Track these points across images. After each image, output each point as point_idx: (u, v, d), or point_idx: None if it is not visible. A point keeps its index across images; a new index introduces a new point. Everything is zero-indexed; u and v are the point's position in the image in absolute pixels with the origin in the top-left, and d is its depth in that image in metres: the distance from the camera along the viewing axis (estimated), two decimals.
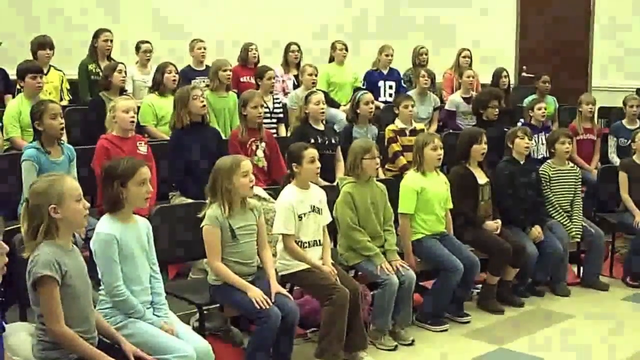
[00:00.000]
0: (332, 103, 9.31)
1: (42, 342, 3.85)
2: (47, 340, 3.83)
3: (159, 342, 4.21)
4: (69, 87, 8.83)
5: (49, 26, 9.35)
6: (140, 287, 4.41)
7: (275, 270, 5.38)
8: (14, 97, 7.77)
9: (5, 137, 7.14)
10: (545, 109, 9.29)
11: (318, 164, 5.71)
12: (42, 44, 8.59)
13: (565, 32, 12.78)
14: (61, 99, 8.38)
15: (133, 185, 4.41)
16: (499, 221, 6.90)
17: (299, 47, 10.52)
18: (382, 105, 9.83)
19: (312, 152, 5.69)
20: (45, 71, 8.23)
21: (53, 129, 5.97)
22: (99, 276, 4.34)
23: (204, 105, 6.95)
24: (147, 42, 9.51)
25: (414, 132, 8.01)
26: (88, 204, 3.96)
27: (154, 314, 4.40)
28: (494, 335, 6.30)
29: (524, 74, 13.09)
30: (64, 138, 6.27)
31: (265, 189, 6.38)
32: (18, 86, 7.62)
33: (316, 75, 9.26)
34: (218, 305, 5.57)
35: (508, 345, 6.09)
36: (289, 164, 5.78)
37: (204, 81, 9.17)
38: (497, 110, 8.73)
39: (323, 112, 7.63)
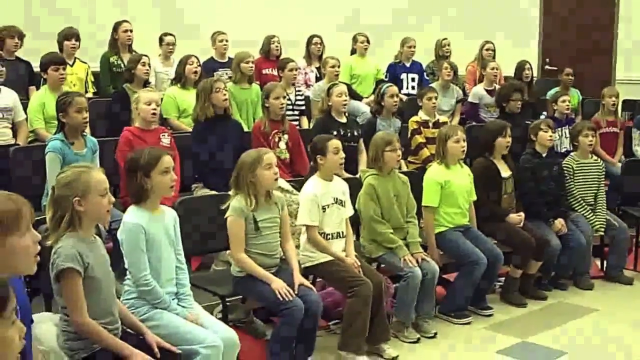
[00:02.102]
0: (354, 95, 9.29)
1: (66, 333, 3.86)
2: (71, 331, 3.84)
3: (185, 333, 4.21)
4: (93, 80, 8.86)
5: (72, 19, 9.34)
6: (166, 278, 4.42)
7: (298, 262, 5.37)
8: (38, 89, 7.79)
9: (30, 128, 7.18)
10: (569, 102, 9.24)
11: (342, 155, 5.70)
12: (68, 35, 8.63)
13: (589, 24, 12.70)
14: (86, 91, 8.40)
15: (157, 175, 4.41)
16: (522, 214, 6.87)
17: (321, 39, 10.51)
18: (404, 98, 9.80)
19: (336, 144, 5.68)
20: (70, 63, 8.28)
21: (77, 122, 5.98)
22: (126, 266, 4.36)
23: (226, 98, 6.96)
24: (170, 34, 9.51)
25: (437, 125, 7.99)
26: (113, 199, 3.95)
27: (178, 305, 4.41)
28: (516, 329, 6.27)
29: (547, 66, 13.02)
30: (87, 130, 6.29)
31: (288, 181, 6.37)
32: (42, 78, 7.64)
33: (339, 68, 9.24)
34: (241, 296, 5.60)
35: (531, 338, 6.06)
36: (313, 156, 5.77)
37: (226, 73, 9.18)
38: (519, 103, 8.70)
39: (345, 104, 7.63)
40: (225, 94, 6.94)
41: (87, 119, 6.09)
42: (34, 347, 3.39)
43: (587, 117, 9.86)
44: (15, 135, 7.10)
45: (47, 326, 3.92)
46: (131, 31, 9.22)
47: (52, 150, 5.89)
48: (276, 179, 5.14)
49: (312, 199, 5.58)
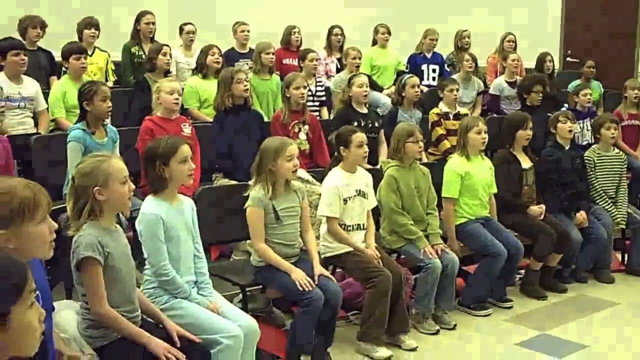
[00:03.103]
0: (374, 86, 9.27)
1: (86, 321, 3.87)
2: (92, 319, 3.85)
3: (206, 322, 4.22)
4: (114, 68, 8.88)
5: (93, 9, 9.35)
6: (184, 267, 4.43)
7: (318, 252, 5.37)
8: (59, 78, 7.82)
9: (51, 117, 7.21)
10: (591, 94, 9.19)
11: (366, 149, 5.70)
12: (88, 24, 8.65)
13: (611, 16, 12.61)
14: (106, 80, 8.42)
15: (175, 164, 4.41)
16: (543, 206, 6.85)
17: (341, 30, 10.48)
18: (425, 89, 9.77)
19: (360, 137, 5.68)
20: (90, 52, 8.30)
21: (101, 111, 6.01)
22: (145, 256, 4.36)
23: (247, 89, 6.97)
24: (191, 23, 9.50)
25: (458, 116, 7.98)
26: (133, 186, 3.95)
27: (199, 294, 4.42)
28: (536, 321, 6.26)
29: (568, 58, 12.95)
30: (107, 120, 6.31)
31: (307, 171, 6.37)
32: (63, 67, 7.66)
33: (360, 59, 9.23)
34: (261, 286, 5.60)
35: (551, 331, 6.05)
36: (336, 147, 5.76)
37: (246, 64, 9.17)
38: (540, 95, 8.68)
39: (366, 95, 7.61)
40: (246, 85, 6.94)
41: (111, 108, 6.11)
42: (55, 333, 3.41)
43: (608, 110, 9.80)
44: (36, 125, 7.12)
45: (67, 314, 3.93)
46: (153, 23, 9.23)
47: (73, 139, 5.92)
48: (295, 171, 5.14)
49: (333, 190, 5.57)
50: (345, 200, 5.60)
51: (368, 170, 6.12)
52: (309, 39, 10.20)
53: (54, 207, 4.18)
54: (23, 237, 2.78)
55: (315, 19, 11.03)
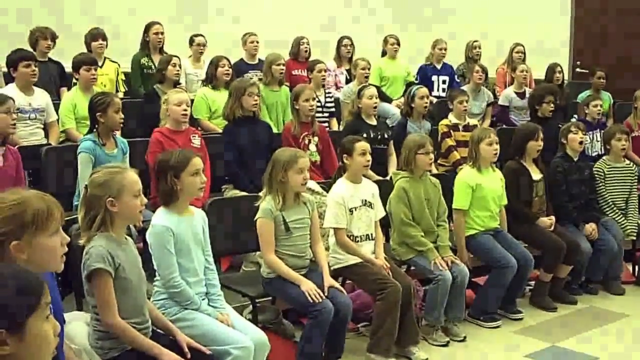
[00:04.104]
0: (383, 97, 9.27)
1: (97, 332, 3.88)
2: (102, 330, 3.86)
3: (216, 334, 4.23)
4: (124, 79, 8.90)
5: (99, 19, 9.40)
6: (195, 279, 4.43)
7: (328, 264, 5.36)
8: (69, 90, 7.84)
9: (61, 128, 7.22)
10: (601, 105, 9.17)
11: (368, 157, 5.69)
12: (94, 36, 8.69)
13: (621, 25, 12.57)
14: (116, 91, 8.45)
15: (186, 176, 4.43)
16: (553, 218, 6.84)
17: (351, 41, 10.51)
18: (434, 100, 9.77)
19: (363, 145, 5.68)
20: (100, 63, 8.31)
21: (114, 122, 6.04)
22: (155, 268, 4.37)
23: (256, 104, 6.94)
24: (201, 35, 9.54)
25: (467, 128, 7.96)
26: (145, 200, 3.96)
27: (209, 305, 4.42)
28: (546, 333, 6.24)
29: (577, 69, 12.93)
30: (118, 131, 6.32)
31: (318, 183, 6.37)
32: (74, 79, 7.68)
33: (369, 70, 9.23)
34: (270, 297, 5.60)
35: (561, 343, 6.03)
36: (340, 156, 5.77)
37: (256, 75, 9.17)
38: (552, 106, 8.63)
39: (376, 107, 7.62)
40: (256, 100, 6.92)
41: (123, 119, 6.13)
42: (66, 345, 3.41)
43: (619, 120, 9.76)
44: (47, 136, 7.14)
45: (78, 325, 3.95)
46: (162, 33, 9.27)
47: (84, 151, 5.93)
48: (304, 184, 5.14)
49: (338, 201, 5.57)
50: (351, 211, 5.59)
51: (377, 181, 6.12)
52: (316, 48, 10.24)
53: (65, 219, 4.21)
54: (36, 248, 2.80)
55: (321, 27, 11.08)
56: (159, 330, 4.10)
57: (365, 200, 5.71)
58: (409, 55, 10.97)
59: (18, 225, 2.77)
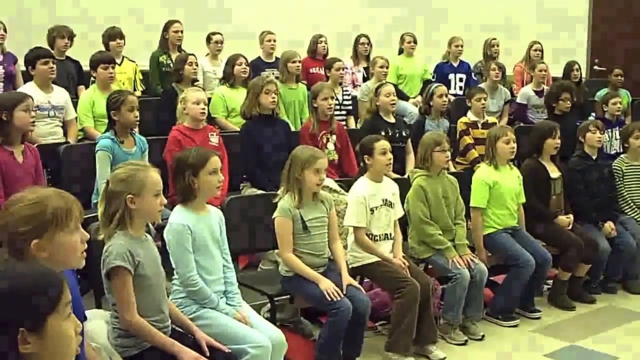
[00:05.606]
0: (401, 95, 9.25)
1: (117, 330, 3.89)
2: (122, 328, 3.86)
3: (234, 332, 4.23)
4: (142, 78, 8.92)
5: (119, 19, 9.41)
6: (213, 277, 4.44)
7: (346, 262, 5.36)
8: (87, 88, 7.87)
9: (79, 127, 7.24)
10: (621, 103, 9.13)
11: (390, 156, 5.68)
12: (112, 35, 8.71)
13: (638, 23, 12.53)
14: (134, 89, 8.46)
15: (204, 175, 4.43)
16: (571, 216, 6.81)
17: (368, 39, 10.49)
18: (452, 98, 9.73)
19: (383, 144, 5.67)
20: (118, 62, 8.34)
21: (129, 120, 6.05)
22: (173, 266, 4.37)
23: (274, 101, 6.92)
24: (218, 33, 9.54)
25: (485, 125, 7.94)
26: (165, 200, 3.96)
27: (227, 304, 4.42)
28: (565, 332, 6.22)
29: (595, 67, 12.88)
30: (136, 129, 6.34)
31: (336, 181, 6.36)
32: (91, 77, 7.70)
33: (387, 68, 9.22)
34: (289, 296, 5.60)
35: (579, 342, 6.01)
36: (360, 156, 5.76)
37: (272, 73, 9.17)
38: (569, 103, 8.62)
39: (394, 104, 7.60)
40: (274, 98, 6.90)
41: (138, 118, 6.14)
42: (86, 343, 3.42)
43: (637, 118, 9.72)
44: (65, 134, 7.16)
45: (98, 323, 3.95)
46: (182, 32, 9.28)
47: (102, 149, 5.95)
48: (319, 184, 5.12)
49: (359, 200, 5.57)
50: (372, 210, 5.59)
51: (396, 179, 6.11)
52: (334, 46, 10.24)
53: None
54: (56, 246, 2.81)
55: (339, 23, 11.07)
56: (178, 329, 4.10)
57: (386, 200, 5.70)
58: (424, 54, 10.93)
59: (38, 224, 2.79)
